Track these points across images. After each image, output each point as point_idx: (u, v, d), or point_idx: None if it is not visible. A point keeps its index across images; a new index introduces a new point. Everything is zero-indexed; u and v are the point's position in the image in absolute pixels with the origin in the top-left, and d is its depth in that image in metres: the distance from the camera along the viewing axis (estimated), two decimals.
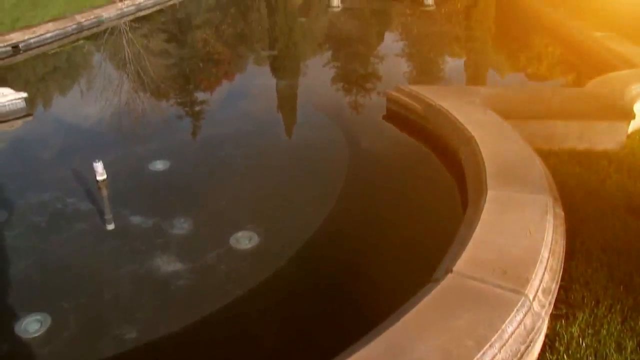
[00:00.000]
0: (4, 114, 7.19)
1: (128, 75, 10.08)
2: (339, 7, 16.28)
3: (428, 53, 10.68)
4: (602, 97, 5.71)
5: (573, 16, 10.04)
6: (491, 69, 9.74)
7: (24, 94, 7.40)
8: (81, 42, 12.36)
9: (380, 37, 12.44)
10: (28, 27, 11.51)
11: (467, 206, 3.92)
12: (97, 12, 13.51)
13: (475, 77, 9.11)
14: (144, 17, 14.86)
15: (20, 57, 10.67)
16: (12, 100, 7.28)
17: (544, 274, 2.95)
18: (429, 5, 15.81)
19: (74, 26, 12.43)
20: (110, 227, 4.54)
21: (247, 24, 14.44)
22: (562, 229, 3.49)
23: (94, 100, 8.37)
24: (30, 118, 7.40)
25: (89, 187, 5.02)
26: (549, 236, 3.26)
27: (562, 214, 3.69)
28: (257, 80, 9.38)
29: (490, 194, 3.69)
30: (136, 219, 4.50)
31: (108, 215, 4.65)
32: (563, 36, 9.56)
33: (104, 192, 4.87)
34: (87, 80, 9.89)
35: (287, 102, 7.85)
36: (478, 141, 4.45)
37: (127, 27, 13.74)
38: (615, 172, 4.82)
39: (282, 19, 15.68)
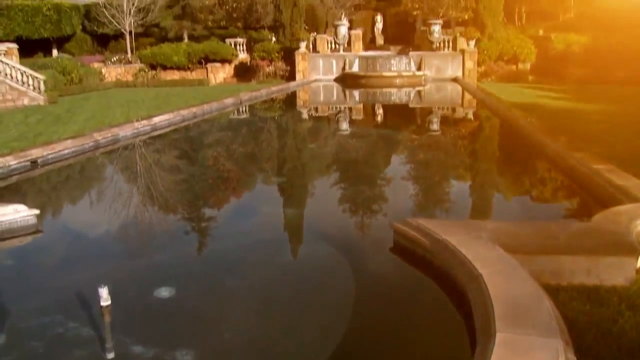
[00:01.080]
0: (16, 230, 7.31)
1: (138, 189, 10.34)
2: (347, 130, 16.99)
3: (434, 177, 10.93)
4: (608, 232, 5.75)
5: (573, 147, 10.34)
6: (496, 192, 9.92)
7: (36, 211, 7.56)
8: (96, 157, 12.81)
9: (387, 161, 12.79)
10: (48, 143, 12.03)
11: (476, 349, 3.83)
12: (114, 130, 14.17)
13: (480, 202, 9.23)
14: (159, 136, 15.50)
15: (37, 172, 11.02)
16: (24, 216, 7.42)
17: None
18: (434, 131, 16.49)
19: (91, 143, 12.97)
20: (110, 356, 4.44)
21: (257, 144, 14.95)
22: None
23: (104, 216, 8.52)
24: (40, 234, 7.50)
25: (92, 311, 4.95)
26: None
27: (575, 358, 3.60)
28: (263, 202, 9.50)
29: (498, 336, 3.63)
30: (137, 349, 4.40)
31: (109, 344, 4.56)
32: (565, 167, 9.78)
33: (107, 319, 4.80)
34: (98, 195, 10.10)
35: (293, 229, 7.95)
36: (485, 279, 4.45)
37: (141, 144, 14.31)
38: (627, 310, 4.72)
39: (292, 141, 16.29)
